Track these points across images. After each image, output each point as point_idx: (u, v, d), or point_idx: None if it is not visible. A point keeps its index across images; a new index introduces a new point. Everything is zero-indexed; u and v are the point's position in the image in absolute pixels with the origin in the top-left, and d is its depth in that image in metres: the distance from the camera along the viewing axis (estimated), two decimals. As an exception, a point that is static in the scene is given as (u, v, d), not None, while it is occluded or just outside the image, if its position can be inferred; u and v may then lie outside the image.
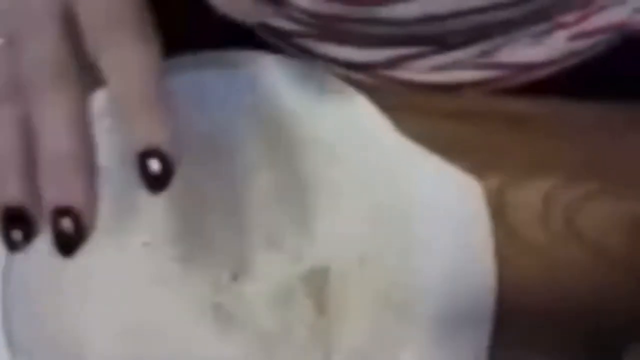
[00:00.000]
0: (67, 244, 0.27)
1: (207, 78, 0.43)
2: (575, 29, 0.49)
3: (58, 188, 0.27)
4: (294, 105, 0.42)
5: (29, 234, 0.27)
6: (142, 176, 0.26)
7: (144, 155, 0.26)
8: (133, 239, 0.40)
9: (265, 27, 0.54)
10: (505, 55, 0.50)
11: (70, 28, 0.28)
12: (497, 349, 0.36)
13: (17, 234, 0.27)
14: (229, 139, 0.41)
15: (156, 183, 0.27)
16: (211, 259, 0.39)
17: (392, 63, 0.51)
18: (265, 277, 0.39)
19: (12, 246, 0.27)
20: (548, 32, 0.49)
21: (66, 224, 0.26)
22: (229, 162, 0.41)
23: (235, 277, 0.39)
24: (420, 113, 0.42)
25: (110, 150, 0.33)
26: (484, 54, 0.50)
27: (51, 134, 0.27)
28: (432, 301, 0.37)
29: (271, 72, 0.43)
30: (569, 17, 0.49)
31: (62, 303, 0.38)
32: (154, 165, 0.26)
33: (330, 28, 0.50)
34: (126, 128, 0.27)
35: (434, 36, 0.48)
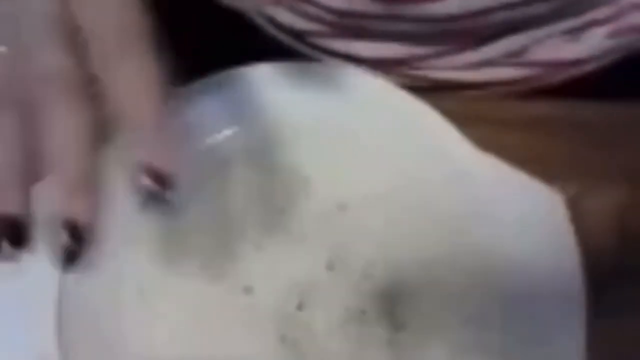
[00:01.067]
0: (71, 257, 0.27)
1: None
2: (612, 26, 0.48)
3: (66, 202, 0.27)
4: (351, 116, 0.39)
5: (22, 243, 0.27)
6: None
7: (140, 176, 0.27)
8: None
9: (281, 27, 0.51)
10: (538, 54, 0.48)
11: (74, 39, 0.28)
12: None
13: (10, 243, 0.27)
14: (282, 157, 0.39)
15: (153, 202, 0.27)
16: (275, 289, 0.37)
17: (421, 60, 0.49)
18: (332, 302, 0.37)
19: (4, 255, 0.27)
20: (583, 29, 0.48)
21: (71, 236, 0.27)
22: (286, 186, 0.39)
23: (301, 306, 0.36)
24: (483, 122, 0.39)
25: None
26: (516, 52, 0.48)
27: (60, 149, 0.27)
28: (512, 312, 0.35)
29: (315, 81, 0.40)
30: (602, 13, 0.48)
31: (124, 327, 0.36)
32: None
33: (353, 26, 0.47)
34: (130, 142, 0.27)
35: (462, 33, 0.47)
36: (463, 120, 0.38)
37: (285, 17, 0.50)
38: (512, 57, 0.49)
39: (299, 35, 0.50)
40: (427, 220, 0.38)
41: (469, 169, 0.37)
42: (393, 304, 0.37)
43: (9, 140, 0.28)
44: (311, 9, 0.48)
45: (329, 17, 0.47)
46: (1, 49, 0.28)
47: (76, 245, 0.27)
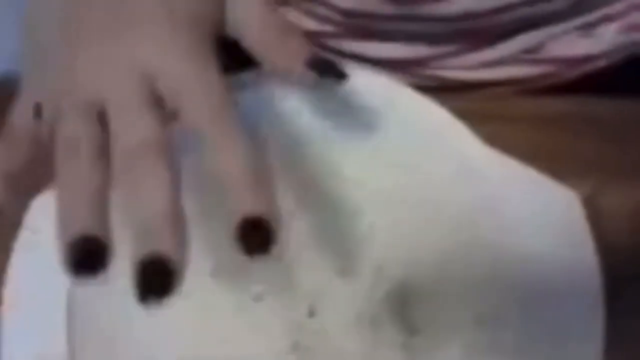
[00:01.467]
0: (157, 292, 0.25)
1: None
2: (623, 22, 0.47)
3: (156, 241, 0.26)
4: (359, 115, 0.38)
5: (103, 266, 0.26)
6: (242, 246, 0.26)
7: (244, 226, 0.26)
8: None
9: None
10: (553, 50, 0.48)
11: (156, 101, 0.28)
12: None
13: (90, 264, 0.26)
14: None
15: (257, 251, 0.26)
16: (287, 296, 0.36)
17: (434, 60, 0.49)
18: (343, 307, 0.36)
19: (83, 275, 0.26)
20: (595, 24, 0.48)
21: (158, 271, 0.25)
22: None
23: (312, 314, 0.36)
24: (494, 119, 0.39)
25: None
26: (531, 49, 0.48)
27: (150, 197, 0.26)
28: (528, 311, 0.34)
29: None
30: (615, 9, 0.48)
31: (134, 336, 0.35)
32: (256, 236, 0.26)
33: (362, 26, 0.47)
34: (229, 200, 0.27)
35: (477, 32, 0.46)
36: (474, 118, 0.37)
37: (293, 17, 0.49)
38: (527, 54, 0.48)
39: (307, 36, 0.50)
40: (436, 219, 0.37)
41: (479, 166, 0.36)
42: (405, 306, 0.36)
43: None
44: (320, 10, 0.47)
45: (338, 17, 0.46)
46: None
47: (163, 281, 0.25)
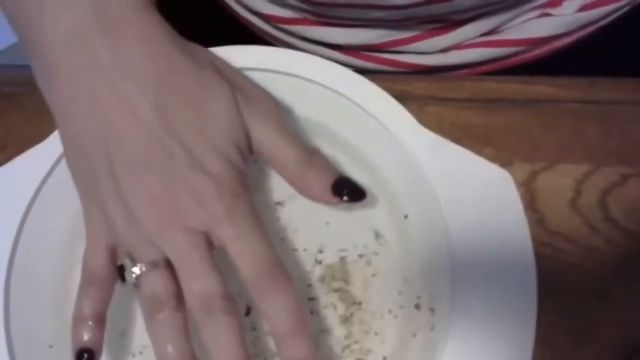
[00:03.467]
0: None
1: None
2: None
3: None
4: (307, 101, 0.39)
5: None
6: None
7: None
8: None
9: (254, 13, 0.51)
10: (513, 32, 0.48)
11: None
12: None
13: None
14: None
15: None
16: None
17: (392, 45, 0.49)
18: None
19: None
20: (555, 4, 0.47)
21: None
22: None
23: (248, 312, 0.37)
24: (437, 101, 0.39)
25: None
26: (490, 31, 0.48)
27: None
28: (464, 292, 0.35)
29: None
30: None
31: None
32: None
33: (325, 14, 0.47)
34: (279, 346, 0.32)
35: (436, 17, 0.46)
36: (427, 100, 0.38)
37: (259, 4, 0.50)
38: (487, 36, 0.48)
39: (271, 20, 0.50)
40: (379, 201, 0.38)
41: (423, 152, 0.36)
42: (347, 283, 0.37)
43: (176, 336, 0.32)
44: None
45: (301, 4, 0.47)
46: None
47: None
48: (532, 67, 0.48)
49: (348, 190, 0.35)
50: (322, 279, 0.38)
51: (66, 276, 0.38)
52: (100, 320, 0.34)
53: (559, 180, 0.37)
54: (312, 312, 0.37)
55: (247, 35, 0.54)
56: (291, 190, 0.36)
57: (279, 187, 0.39)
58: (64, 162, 0.35)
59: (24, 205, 0.37)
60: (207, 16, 0.56)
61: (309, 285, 0.38)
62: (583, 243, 0.37)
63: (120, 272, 0.34)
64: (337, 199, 0.35)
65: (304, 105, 0.39)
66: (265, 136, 0.35)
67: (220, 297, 0.32)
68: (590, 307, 0.36)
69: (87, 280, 0.34)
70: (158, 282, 0.32)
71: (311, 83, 0.38)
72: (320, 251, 0.38)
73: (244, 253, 0.32)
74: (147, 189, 0.32)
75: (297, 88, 0.38)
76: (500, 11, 0.46)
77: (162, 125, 0.32)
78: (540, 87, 0.39)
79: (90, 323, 0.33)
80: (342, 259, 0.38)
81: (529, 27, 0.47)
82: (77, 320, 0.34)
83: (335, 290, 0.38)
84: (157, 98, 0.33)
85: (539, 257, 0.34)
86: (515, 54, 0.48)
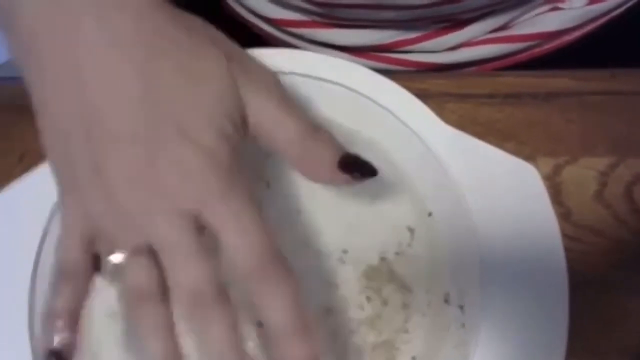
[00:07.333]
0: None
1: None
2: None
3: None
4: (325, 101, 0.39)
5: None
6: None
7: None
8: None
9: (261, 17, 0.51)
10: (523, 27, 0.48)
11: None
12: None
13: None
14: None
15: None
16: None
17: (402, 45, 0.49)
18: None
19: None
20: (564, -1, 0.47)
21: None
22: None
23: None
24: (456, 98, 0.39)
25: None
26: (500, 27, 0.48)
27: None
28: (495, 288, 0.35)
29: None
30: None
31: None
32: None
33: (334, 15, 0.47)
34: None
35: (446, 16, 0.46)
36: (446, 98, 0.37)
37: (264, 6, 0.49)
38: (496, 33, 0.48)
39: (279, 24, 0.50)
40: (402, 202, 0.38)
41: (447, 148, 0.36)
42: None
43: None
44: (295, 0, 0.47)
45: (310, 7, 0.46)
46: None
47: None
48: (543, 62, 0.48)
49: (358, 166, 0.31)
50: (348, 280, 0.38)
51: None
52: (73, 320, 0.30)
53: (583, 173, 0.37)
54: (339, 313, 0.37)
55: (250, 36, 0.54)
56: (311, 192, 0.35)
57: (297, 189, 0.38)
58: None
59: (44, 216, 0.37)
60: (207, 18, 0.55)
61: (336, 285, 0.37)
62: (610, 235, 0.37)
63: (96, 261, 0.30)
64: (346, 177, 0.31)
65: (325, 107, 0.39)
66: (263, 109, 0.31)
67: (211, 286, 0.28)
68: (619, 299, 0.36)
69: (60, 274, 0.30)
70: (141, 271, 0.29)
71: (330, 84, 0.38)
72: (345, 251, 0.38)
73: (239, 238, 0.28)
74: (130, 164, 0.28)
75: (316, 89, 0.38)
76: (510, 8, 0.46)
77: (148, 96, 0.29)
78: (560, 81, 0.39)
79: (61, 323, 0.29)
80: (368, 258, 0.38)
81: (539, 21, 0.47)
82: (47, 318, 0.30)
83: (362, 291, 0.37)
84: (144, 67, 0.29)
85: (566, 250, 0.34)
86: (526, 49, 0.48)
